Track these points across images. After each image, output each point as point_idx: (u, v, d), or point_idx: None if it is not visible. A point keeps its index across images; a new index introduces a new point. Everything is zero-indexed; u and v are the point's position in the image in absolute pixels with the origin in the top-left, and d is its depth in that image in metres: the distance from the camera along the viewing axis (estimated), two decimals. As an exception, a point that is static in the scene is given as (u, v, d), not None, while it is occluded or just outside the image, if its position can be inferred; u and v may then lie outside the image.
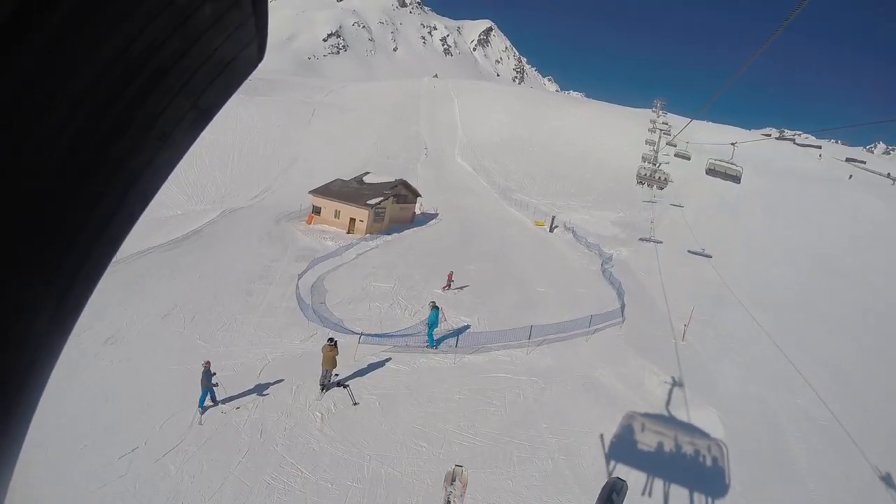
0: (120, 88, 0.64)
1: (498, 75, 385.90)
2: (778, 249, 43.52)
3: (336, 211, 36.36)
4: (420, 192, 43.67)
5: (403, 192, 40.47)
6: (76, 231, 0.67)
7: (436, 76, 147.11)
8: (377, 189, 37.96)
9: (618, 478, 6.80)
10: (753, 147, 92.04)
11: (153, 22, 0.64)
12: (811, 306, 31.76)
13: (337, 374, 14.46)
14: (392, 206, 38.25)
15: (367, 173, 41.81)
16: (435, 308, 18.24)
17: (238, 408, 13.21)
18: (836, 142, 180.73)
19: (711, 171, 25.10)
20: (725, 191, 63.22)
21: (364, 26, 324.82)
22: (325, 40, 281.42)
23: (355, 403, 13.84)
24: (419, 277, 26.24)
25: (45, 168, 0.58)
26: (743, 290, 31.91)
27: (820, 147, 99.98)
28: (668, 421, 15.77)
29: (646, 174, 36.59)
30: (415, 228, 38.72)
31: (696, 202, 56.35)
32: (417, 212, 43.36)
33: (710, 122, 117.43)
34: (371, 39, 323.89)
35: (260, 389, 14.17)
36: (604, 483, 6.89)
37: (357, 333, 17.62)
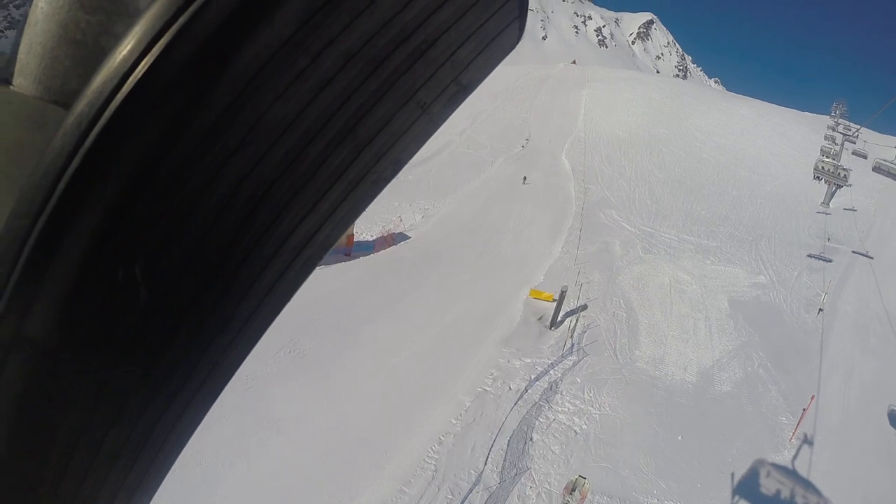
0: (389, 52, 0.64)
1: (658, 72, 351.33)
2: None
3: None
4: (464, 195, 32.05)
5: None
6: (327, 185, 0.67)
7: (573, 62, 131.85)
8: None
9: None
10: None
11: None
12: None
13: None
14: None
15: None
16: None
17: None
18: None
19: (877, 169, 31.90)
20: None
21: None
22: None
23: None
24: None
25: (308, 123, 0.58)
26: None
27: None
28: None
29: (823, 168, 35.55)
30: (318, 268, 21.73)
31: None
32: (383, 233, 25.52)
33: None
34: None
35: None
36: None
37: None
